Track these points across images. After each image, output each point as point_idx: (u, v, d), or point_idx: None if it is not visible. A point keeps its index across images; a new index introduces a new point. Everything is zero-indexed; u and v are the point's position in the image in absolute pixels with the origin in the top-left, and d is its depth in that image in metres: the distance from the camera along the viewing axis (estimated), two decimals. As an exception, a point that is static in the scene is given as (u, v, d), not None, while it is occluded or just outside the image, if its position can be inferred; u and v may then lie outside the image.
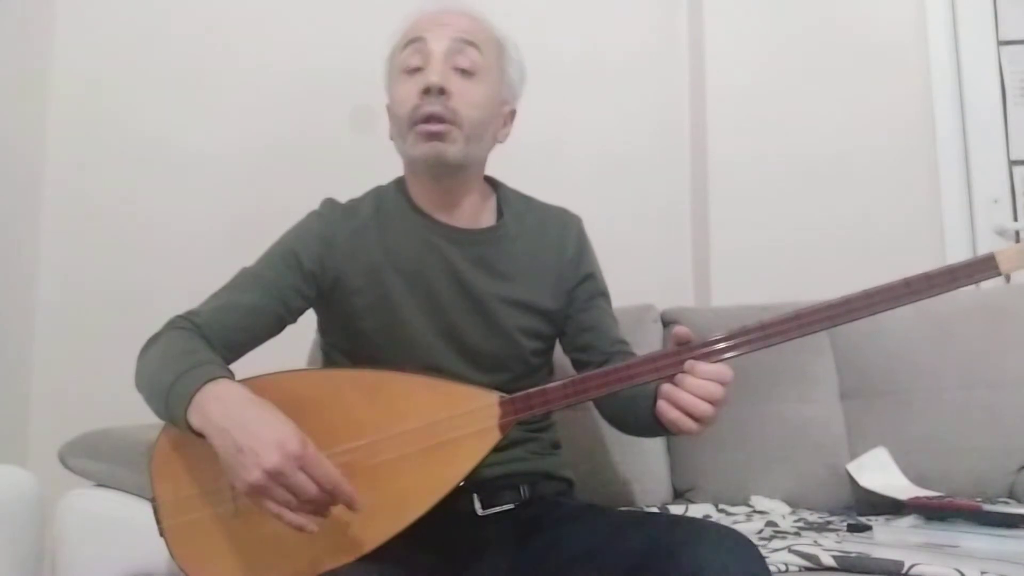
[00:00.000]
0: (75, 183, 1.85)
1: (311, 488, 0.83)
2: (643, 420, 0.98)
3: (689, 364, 0.89)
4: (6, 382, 1.75)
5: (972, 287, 1.80)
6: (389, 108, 1.15)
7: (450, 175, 1.10)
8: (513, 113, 1.18)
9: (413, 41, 1.09)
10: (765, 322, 0.90)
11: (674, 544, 0.85)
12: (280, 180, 1.88)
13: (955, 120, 2.03)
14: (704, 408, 0.88)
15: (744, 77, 2.05)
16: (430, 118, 1.05)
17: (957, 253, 1.96)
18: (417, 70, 1.08)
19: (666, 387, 0.90)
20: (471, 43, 1.10)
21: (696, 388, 0.88)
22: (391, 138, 1.16)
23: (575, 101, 2.05)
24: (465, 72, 1.08)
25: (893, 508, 1.36)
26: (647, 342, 1.55)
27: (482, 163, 1.16)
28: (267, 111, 1.91)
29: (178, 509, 0.94)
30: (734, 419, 1.51)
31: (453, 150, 1.07)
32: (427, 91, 1.05)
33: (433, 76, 1.06)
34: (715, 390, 0.88)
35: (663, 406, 0.90)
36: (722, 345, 0.90)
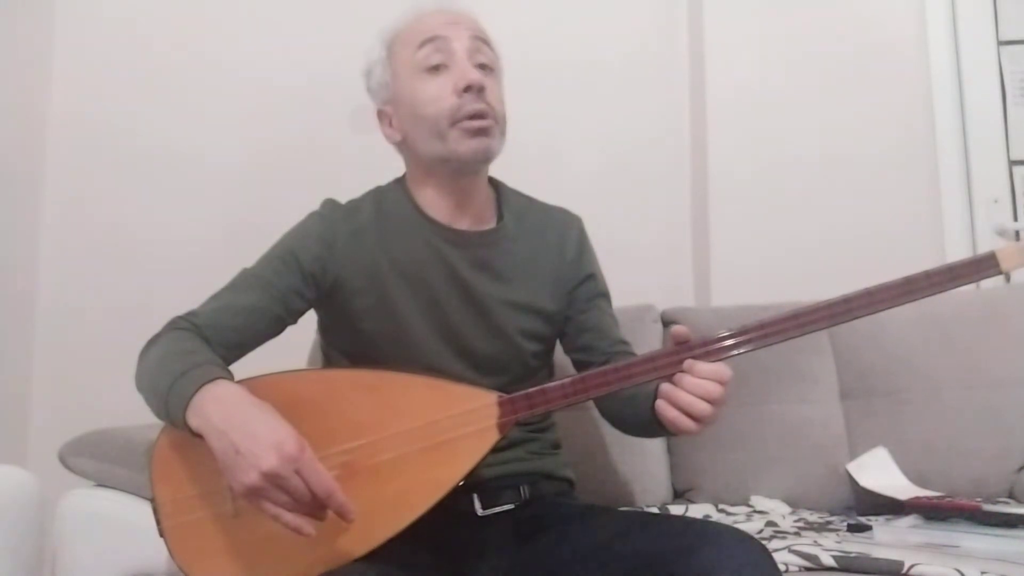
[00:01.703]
0: (75, 185, 1.85)
1: (307, 491, 0.83)
2: (644, 420, 0.98)
3: (688, 363, 0.89)
4: (6, 382, 1.75)
5: (971, 287, 1.81)
6: (394, 111, 1.14)
7: (472, 173, 1.11)
8: None
9: (432, 40, 1.09)
10: (765, 321, 0.90)
11: (685, 545, 0.85)
12: (279, 182, 1.88)
13: (955, 120, 2.02)
14: (702, 407, 0.88)
15: (744, 77, 2.05)
16: (476, 115, 1.06)
17: (957, 253, 1.96)
18: (439, 68, 1.08)
19: (665, 386, 0.90)
20: (485, 41, 1.12)
21: (694, 387, 0.88)
22: (392, 142, 1.15)
23: (576, 102, 2.05)
24: (486, 68, 1.10)
25: (893, 508, 1.36)
26: (647, 342, 1.55)
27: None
28: (266, 114, 1.91)
29: (178, 509, 0.94)
30: (734, 419, 1.51)
31: (496, 144, 1.09)
32: (468, 89, 1.06)
33: (473, 74, 1.07)
34: (713, 389, 0.88)
35: (661, 405, 0.90)
36: (721, 344, 0.90)
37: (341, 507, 0.85)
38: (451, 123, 1.07)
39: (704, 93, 2.07)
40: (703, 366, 0.88)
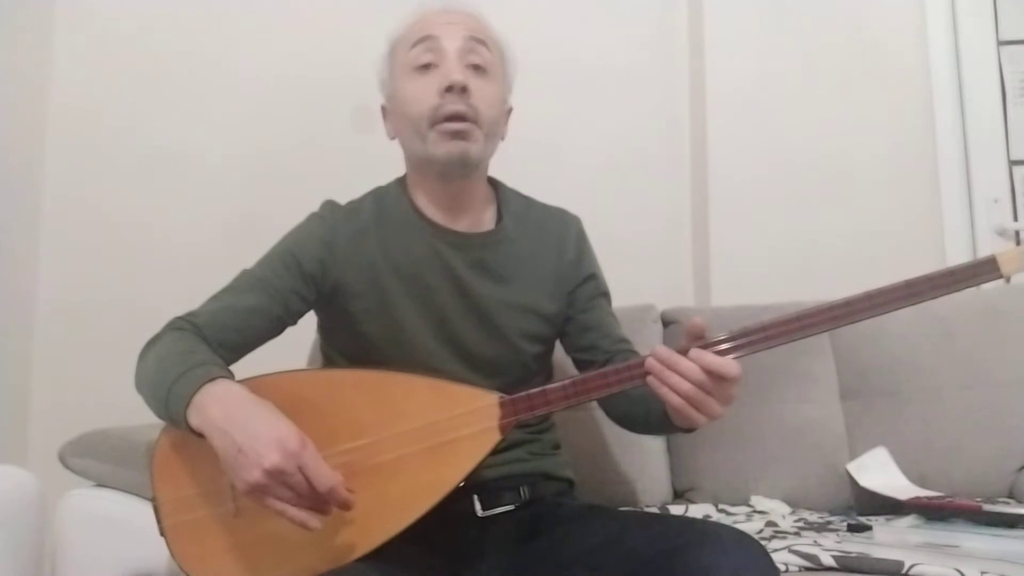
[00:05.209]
0: (75, 185, 1.84)
1: (311, 486, 0.83)
2: (654, 418, 0.98)
3: (695, 352, 0.87)
4: (6, 382, 1.74)
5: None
6: (390, 108, 1.15)
7: (463, 175, 1.10)
8: (510, 111, 1.19)
9: (424, 39, 1.09)
10: (766, 323, 0.89)
11: (684, 545, 0.85)
12: (279, 181, 1.88)
13: (955, 120, 2.03)
14: (713, 406, 0.87)
15: (744, 77, 2.05)
16: (454, 117, 1.05)
17: (957, 253, 1.96)
18: (428, 68, 1.08)
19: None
20: (481, 41, 1.10)
21: (688, 370, 0.87)
22: (391, 138, 1.16)
23: (576, 102, 2.05)
24: (478, 69, 1.09)
25: (893, 508, 1.36)
26: (647, 342, 1.54)
27: (488, 162, 1.16)
28: (266, 114, 1.91)
29: (179, 508, 0.94)
30: (734, 419, 1.51)
31: (475, 148, 1.07)
32: (450, 89, 1.05)
33: (456, 74, 1.05)
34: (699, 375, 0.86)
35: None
36: (724, 346, 0.89)
37: (344, 502, 0.85)
38: (430, 124, 1.06)
39: (704, 93, 2.07)
40: (711, 358, 0.87)
